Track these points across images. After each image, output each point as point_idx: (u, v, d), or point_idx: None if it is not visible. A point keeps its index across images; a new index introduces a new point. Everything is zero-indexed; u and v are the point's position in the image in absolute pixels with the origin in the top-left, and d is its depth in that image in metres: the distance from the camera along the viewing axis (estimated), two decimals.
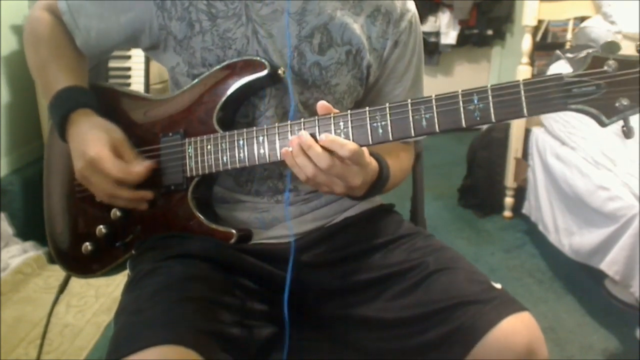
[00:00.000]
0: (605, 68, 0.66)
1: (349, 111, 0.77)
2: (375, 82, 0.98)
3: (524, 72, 2.53)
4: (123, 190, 0.87)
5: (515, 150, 2.64)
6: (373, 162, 0.82)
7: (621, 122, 0.67)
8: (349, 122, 0.77)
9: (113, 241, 0.94)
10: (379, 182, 0.84)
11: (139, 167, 0.87)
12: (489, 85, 0.70)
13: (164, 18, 0.89)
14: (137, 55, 2.34)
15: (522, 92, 0.68)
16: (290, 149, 0.77)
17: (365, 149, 0.78)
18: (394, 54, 0.96)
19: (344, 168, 0.76)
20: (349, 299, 0.90)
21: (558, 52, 2.47)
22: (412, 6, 0.98)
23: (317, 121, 0.78)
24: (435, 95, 0.73)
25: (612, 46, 0.67)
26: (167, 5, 0.88)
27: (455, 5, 3.71)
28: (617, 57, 0.66)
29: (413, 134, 0.74)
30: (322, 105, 0.78)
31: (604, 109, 0.66)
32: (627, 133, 0.67)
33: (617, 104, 0.66)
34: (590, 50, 2.23)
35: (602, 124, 0.67)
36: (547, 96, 0.68)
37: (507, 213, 2.74)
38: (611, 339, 1.82)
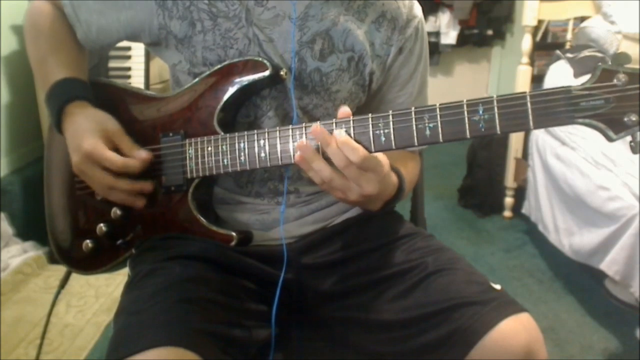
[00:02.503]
0: (615, 81, 0.64)
1: (351, 117, 0.76)
2: (378, 89, 0.97)
3: (524, 72, 2.53)
4: (122, 181, 0.87)
5: (515, 150, 2.64)
6: (394, 178, 0.82)
7: (629, 138, 0.65)
8: (352, 128, 0.76)
9: (114, 239, 0.94)
10: (397, 198, 0.84)
11: (142, 154, 0.86)
12: (494, 96, 0.68)
13: (164, 17, 0.89)
14: (137, 55, 2.34)
15: (529, 104, 0.66)
16: (302, 153, 0.75)
17: (386, 161, 0.77)
18: (397, 60, 0.95)
19: (358, 172, 0.75)
20: (349, 300, 0.90)
21: (558, 52, 2.47)
22: (418, 12, 0.96)
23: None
24: (440, 104, 0.71)
25: (622, 58, 0.64)
26: (168, 5, 0.88)
27: (455, 5, 3.71)
28: (627, 70, 0.63)
29: (416, 143, 0.73)
30: (343, 111, 0.76)
31: (611, 124, 0.64)
32: (635, 148, 0.65)
33: (625, 119, 0.64)
34: (589, 51, 2.24)
35: (610, 139, 0.65)
36: (554, 109, 0.66)
37: (507, 213, 2.74)
38: (611, 339, 1.82)
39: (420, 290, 0.84)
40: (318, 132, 0.75)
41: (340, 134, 0.74)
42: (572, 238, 2.05)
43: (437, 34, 3.84)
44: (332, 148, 0.74)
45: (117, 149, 0.87)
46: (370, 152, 0.75)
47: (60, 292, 1.12)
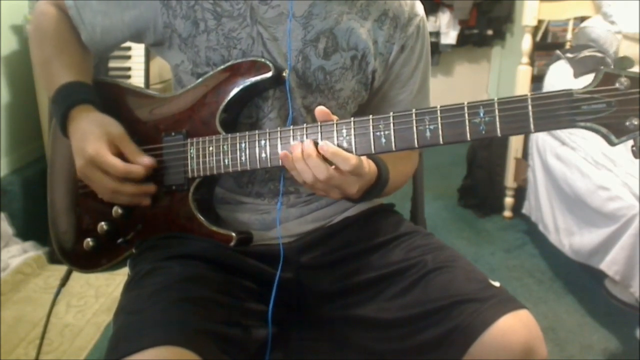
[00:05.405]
0: (617, 85, 0.64)
1: (352, 119, 0.76)
2: (380, 86, 0.97)
3: (524, 72, 2.53)
4: (126, 185, 0.87)
5: (515, 150, 2.64)
6: (371, 166, 0.82)
7: (630, 142, 0.65)
8: (352, 129, 0.76)
9: (114, 238, 0.94)
10: (377, 186, 0.84)
11: (145, 160, 0.86)
12: (495, 99, 0.68)
13: (168, 16, 0.89)
14: (137, 55, 2.33)
15: (530, 107, 0.66)
16: (291, 152, 0.77)
17: (363, 157, 0.78)
18: (399, 58, 0.95)
19: (341, 179, 0.76)
20: (349, 299, 0.90)
21: (558, 52, 2.47)
22: (420, 10, 0.97)
23: (319, 127, 0.77)
24: (441, 106, 0.71)
25: (625, 62, 0.64)
26: (172, 4, 0.88)
27: (455, 5, 3.71)
28: (629, 74, 0.63)
29: (417, 145, 0.73)
30: (320, 110, 0.77)
31: (613, 128, 0.64)
32: (636, 153, 0.65)
33: (627, 123, 0.63)
34: (589, 51, 2.24)
35: (611, 144, 0.65)
36: (555, 112, 0.65)
37: (507, 213, 2.74)
38: (611, 339, 1.82)
39: (419, 288, 0.84)
40: (304, 146, 0.76)
41: (327, 145, 0.75)
42: (572, 238, 2.05)
43: (437, 34, 3.84)
44: (313, 161, 0.75)
45: (120, 154, 0.87)
46: (370, 153, 0.76)
47: (61, 291, 1.12)
